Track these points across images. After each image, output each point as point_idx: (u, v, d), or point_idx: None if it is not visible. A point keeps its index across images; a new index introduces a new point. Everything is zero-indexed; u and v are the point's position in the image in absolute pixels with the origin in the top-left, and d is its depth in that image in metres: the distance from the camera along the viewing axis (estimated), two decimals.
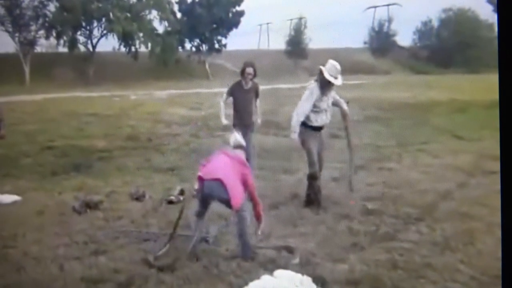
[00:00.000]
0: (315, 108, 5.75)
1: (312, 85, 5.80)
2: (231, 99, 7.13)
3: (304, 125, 5.79)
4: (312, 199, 5.88)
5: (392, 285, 3.79)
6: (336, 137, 11.40)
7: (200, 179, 4.34)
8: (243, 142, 4.70)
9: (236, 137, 4.70)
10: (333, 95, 5.96)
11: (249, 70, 6.75)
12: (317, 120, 5.84)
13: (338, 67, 5.73)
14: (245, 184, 4.34)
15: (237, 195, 4.22)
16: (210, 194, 4.30)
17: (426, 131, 11.88)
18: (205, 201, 4.43)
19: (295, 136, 5.73)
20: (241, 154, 4.56)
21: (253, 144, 6.00)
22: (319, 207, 5.82)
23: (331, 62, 5.71)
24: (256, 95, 7.00)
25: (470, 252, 4.44)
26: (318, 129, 5.90)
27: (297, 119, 5.72)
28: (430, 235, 4.93)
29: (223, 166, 4.37)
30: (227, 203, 4.23)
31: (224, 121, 7.09)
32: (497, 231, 4.87)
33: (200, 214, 4.51)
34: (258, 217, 4.51)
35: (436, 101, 17.26)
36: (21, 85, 28.95)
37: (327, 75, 5.65)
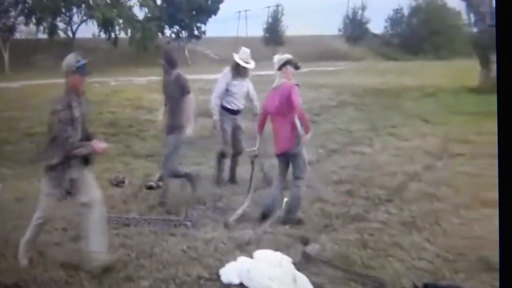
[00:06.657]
0: (228, 92, 6.29)
1: (226, 70, 6.36)
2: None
3: (222, 107, 6.32)
4: (222, 177, 6.51)
5: (362, 263, 3.97)
6: (312, 122, 11.61)
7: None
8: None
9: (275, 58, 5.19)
10: (249, 87, 6.49)
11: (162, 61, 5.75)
12: (230, 104, 6.34)
13: (249, 52, 6.29)
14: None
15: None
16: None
17: (396, 116, 12.17)
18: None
19: (216, 118, 6.26)
20: (283, 82, 5.05)
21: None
22: (234, 183, 6.43)
23: (243, 49, 6.32)
24: (183, 90, 5.55)
25: (435, 231, 4.68)
26: (234, 112, 6.41)
27: (214, 102, 6.28)
28: (399, 215, 5.16)
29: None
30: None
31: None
32: (461, 211, 5.14)
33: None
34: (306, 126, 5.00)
35: (407, 87, 17.59)
36: (1, 72, 28.09)
37: (237, 59, 6.20)
